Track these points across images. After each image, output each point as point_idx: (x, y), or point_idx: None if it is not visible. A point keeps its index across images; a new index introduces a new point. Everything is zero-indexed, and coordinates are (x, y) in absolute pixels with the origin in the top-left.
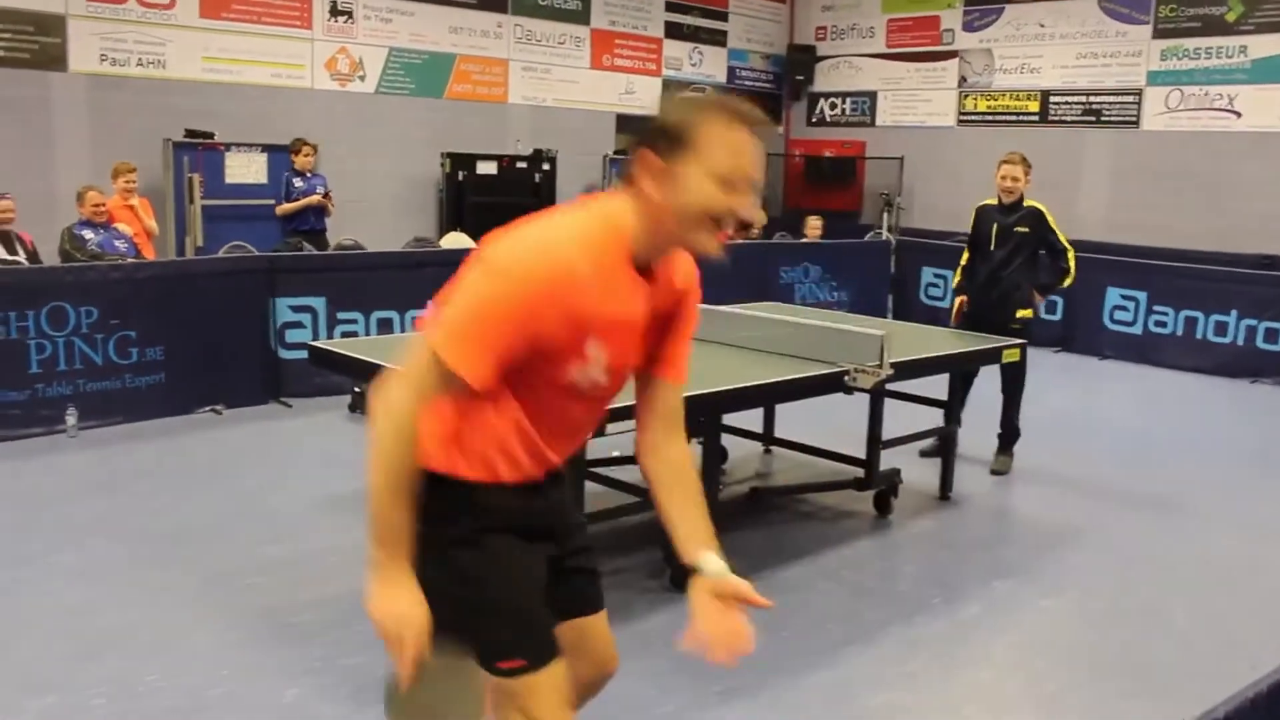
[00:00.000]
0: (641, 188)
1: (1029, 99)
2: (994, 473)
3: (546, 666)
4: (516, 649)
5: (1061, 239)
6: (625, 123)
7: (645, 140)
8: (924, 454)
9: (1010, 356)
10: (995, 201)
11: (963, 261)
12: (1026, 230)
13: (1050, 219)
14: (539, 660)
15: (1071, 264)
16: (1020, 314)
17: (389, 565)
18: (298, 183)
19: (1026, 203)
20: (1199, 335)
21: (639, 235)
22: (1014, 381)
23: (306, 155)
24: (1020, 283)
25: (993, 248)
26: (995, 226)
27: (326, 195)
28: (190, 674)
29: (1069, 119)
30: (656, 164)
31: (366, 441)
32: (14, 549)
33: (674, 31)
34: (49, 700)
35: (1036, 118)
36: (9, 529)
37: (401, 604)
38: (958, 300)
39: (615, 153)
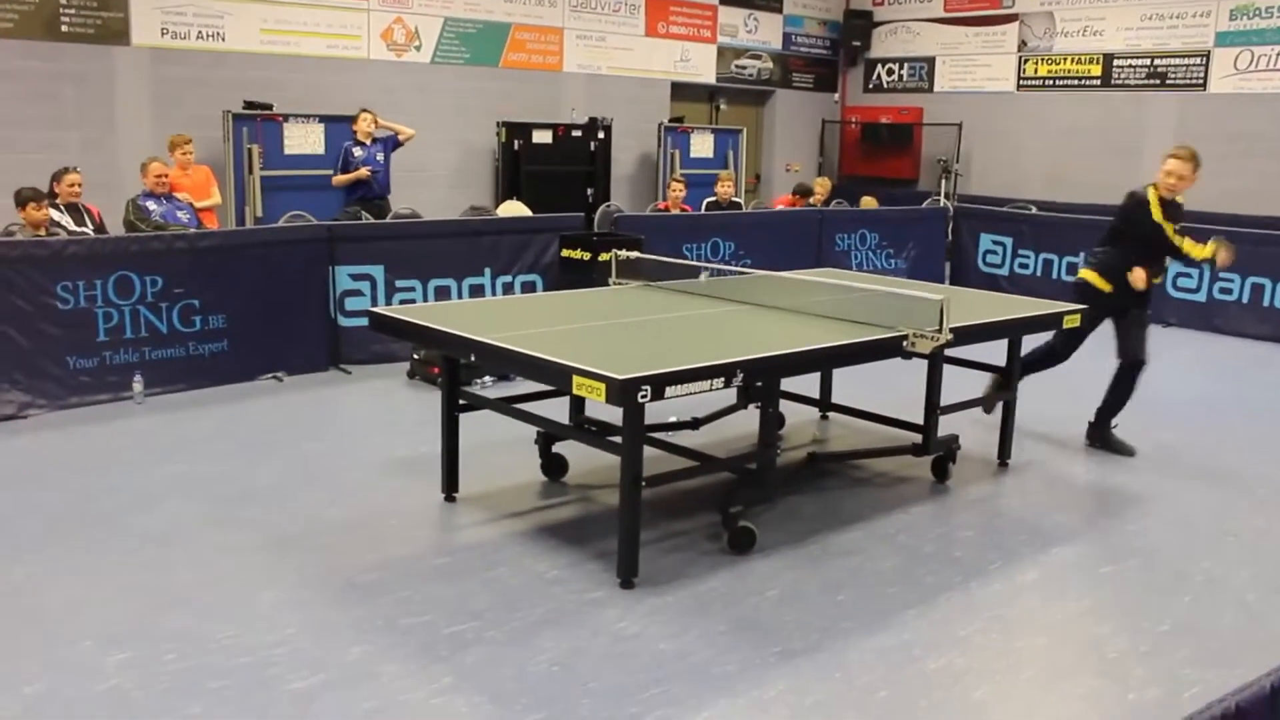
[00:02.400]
0: None
1: (1091, 63)
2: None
3: None
4: None
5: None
6: (680, 90)
7: None
8: (983, 402)
9: (1070, 322)
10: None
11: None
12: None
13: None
14: None
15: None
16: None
17: None
18: (357, 152)
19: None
20: (1265, 302)
21: None
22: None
23: (365, 122)
24: None
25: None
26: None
27: (398, 144)
28: (258, 631)
29: (1132, 83)
30: None
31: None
32: (89, 510)
33: None
34: (124, 655)
35: (1098, 82)
36: (83, 491)
37: None
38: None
39: (670, 120)
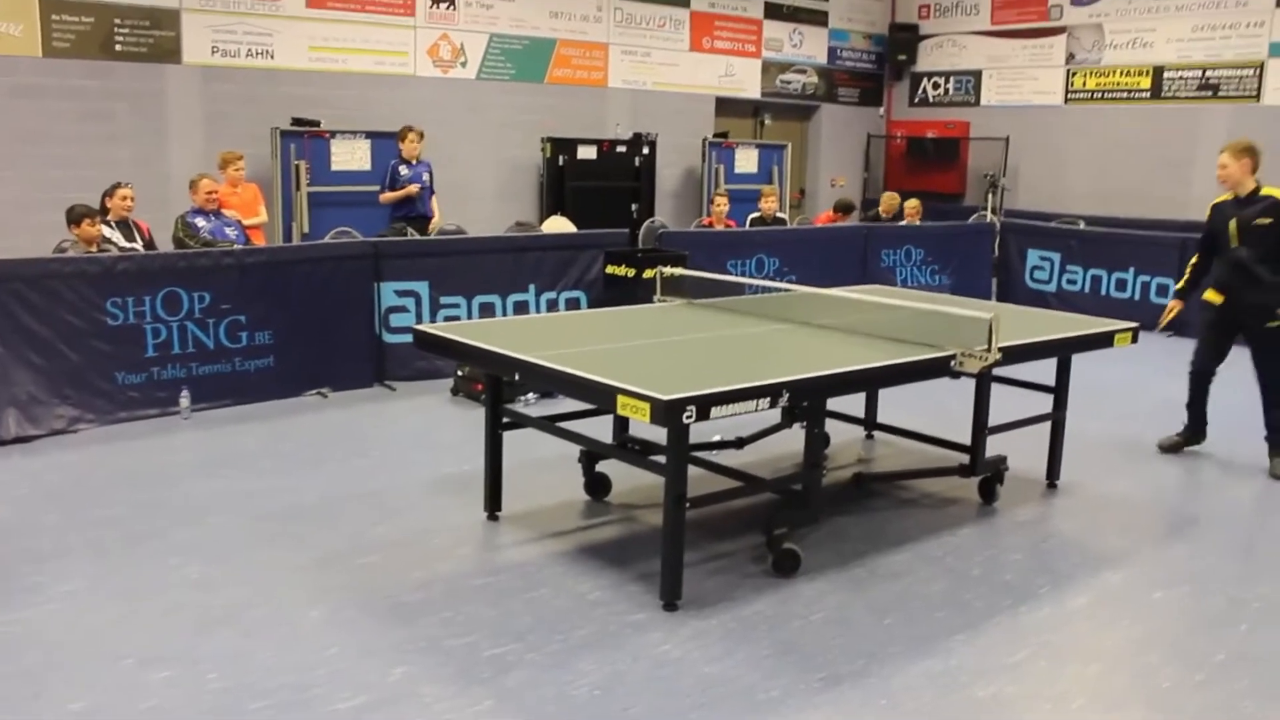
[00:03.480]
0: None
1: (1141, 75)
2: (1274, 476)
3: None
4: None
5: None
6: (725, 105)
7: None
8: (1163, 448)
9: (1122, 340)
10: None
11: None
12: (1269, 222)
13: None
14: None
15: None
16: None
17: None
18: (403, 170)
19: (1265, 191)
20: None
21: None
22: (1272, 377)
23: (412, 142)
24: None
25: (1236, 244)
26: (1234, 222)
27: (429, 190)
28: (301, 651)
29: (1183, 95)
30: None
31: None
32: (135, 525)
33: (774, 12)
34: (167, 674)
35: (1148, 94)
36: (130, 506)
37: None
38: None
39: (715, 135)
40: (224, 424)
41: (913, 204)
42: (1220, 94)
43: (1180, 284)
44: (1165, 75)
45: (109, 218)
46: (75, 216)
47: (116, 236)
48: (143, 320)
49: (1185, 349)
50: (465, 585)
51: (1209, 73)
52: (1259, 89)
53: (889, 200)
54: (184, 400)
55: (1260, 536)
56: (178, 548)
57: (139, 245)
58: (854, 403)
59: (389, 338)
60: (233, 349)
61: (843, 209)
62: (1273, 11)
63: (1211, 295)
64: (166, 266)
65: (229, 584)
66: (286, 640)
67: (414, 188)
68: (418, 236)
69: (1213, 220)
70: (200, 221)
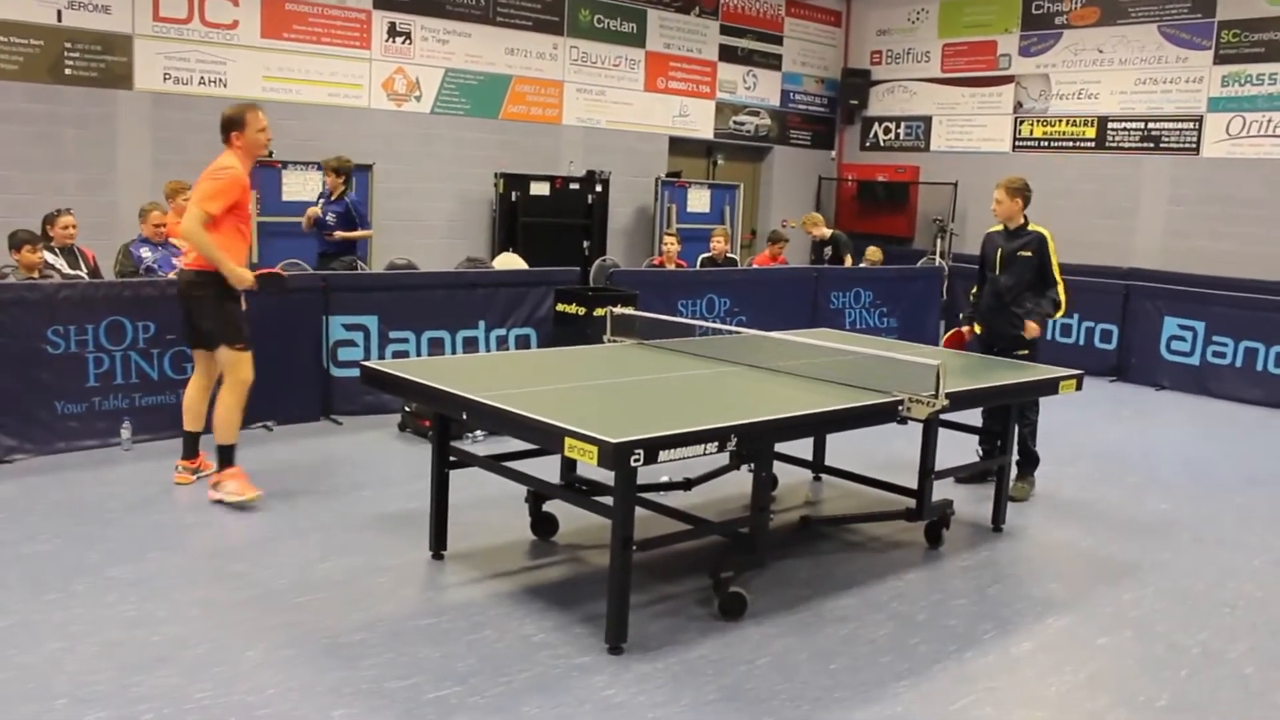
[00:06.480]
0: (235, 144)
1: (1086, 125)
2: (1011, 499)
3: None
4: (243, 339)
5: (1054, 271)
6: (678, 145)
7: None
8: (960, 481)
9: (1067, 387)
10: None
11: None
12: (1029, 255)
13: (1051, 246)
14: (248, 346)
15: (1061, 297)
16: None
17: (235, 268)
18: (315, 208)
19: (1031, 227)
20: (1259, 367)
21: (241, 160)
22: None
23: (328, 175)
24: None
25: (998, 272)
26: (1000, 252)
27: (333, 229)
28: (239, 691)
29: (1126, 145)
30: (239, 134)
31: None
32: (71, 560)
33: (728, 55)
34: (100, 714)
35: (1093, 144)
36: (67, 540)
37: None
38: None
39: (668, 174)
40: (166, 456)
41: (874, 252)
42: (1162, 145)
43: (969, 312)
44: (1109, 126)
45: (52, 245)
46: (17, 242)
47: (60, 264)
48: (85, 349)
49: (1129, 395)
50: (408, 626)
51: (1151, 125)
52: (1198, 142)
53: (812, 221)
54: (125, 431)
55: (1197, 583)
56: (115, 584)
57: (84, 273)
58: (802, 445)
59: (336, 371)
60: (177, 380)
61: (776, 239)
62: (1210, 68)
63: (976, 326)
64: (111, 295)
65: (167, 622)
66: (225, 681)
67: (313, 213)
68: (368, 270)
69: (984, 249)
70: (146, 252)
